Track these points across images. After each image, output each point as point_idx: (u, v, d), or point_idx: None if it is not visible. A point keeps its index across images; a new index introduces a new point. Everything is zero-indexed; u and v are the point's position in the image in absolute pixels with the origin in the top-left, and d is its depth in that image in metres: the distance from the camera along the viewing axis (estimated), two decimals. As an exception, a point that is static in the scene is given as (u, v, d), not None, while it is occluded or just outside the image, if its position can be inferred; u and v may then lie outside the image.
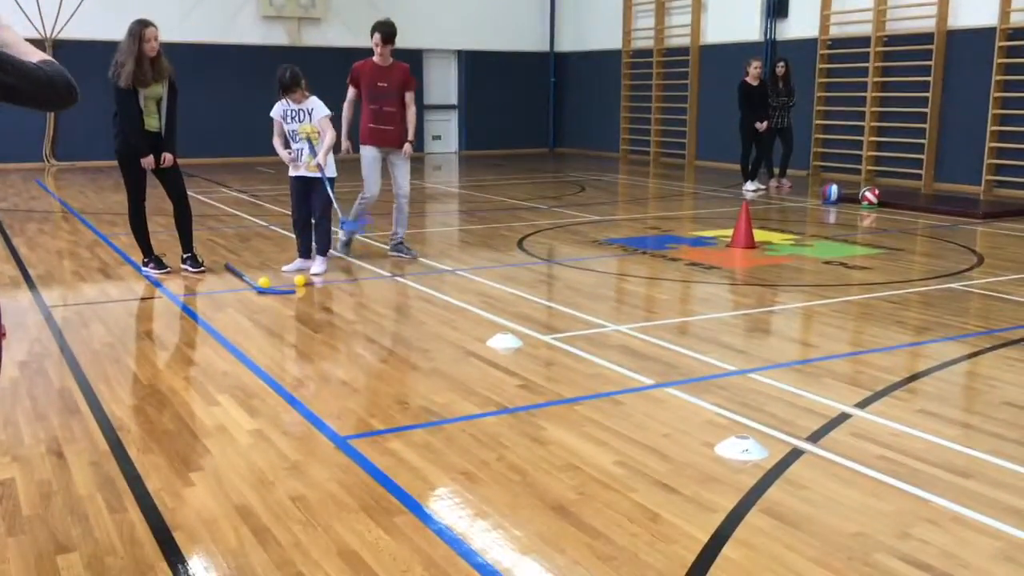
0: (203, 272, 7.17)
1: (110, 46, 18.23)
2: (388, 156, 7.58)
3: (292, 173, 7.13)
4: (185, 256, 7.22)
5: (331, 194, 7.05)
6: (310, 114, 6.98)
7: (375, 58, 7.45)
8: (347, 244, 7.90)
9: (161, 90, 6.89)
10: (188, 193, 7.26)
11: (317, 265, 7.12)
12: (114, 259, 7.76)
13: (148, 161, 6.80)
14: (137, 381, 4.56)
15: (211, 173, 15.40)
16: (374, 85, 7.41)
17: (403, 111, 7.48)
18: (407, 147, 7.54)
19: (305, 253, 7.24)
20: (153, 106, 6.86)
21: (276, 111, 7.08)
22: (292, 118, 7.00)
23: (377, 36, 7.39)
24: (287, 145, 7.07)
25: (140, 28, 6.72)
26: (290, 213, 7.50)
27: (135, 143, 6.76)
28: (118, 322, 5.71)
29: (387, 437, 3.83)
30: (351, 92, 7.59)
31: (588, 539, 2.96)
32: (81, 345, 5.18)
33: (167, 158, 6.89)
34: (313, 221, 7.17)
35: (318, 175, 7.02)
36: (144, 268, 7.13)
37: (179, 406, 4.20)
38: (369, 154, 7.53)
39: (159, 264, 7.13)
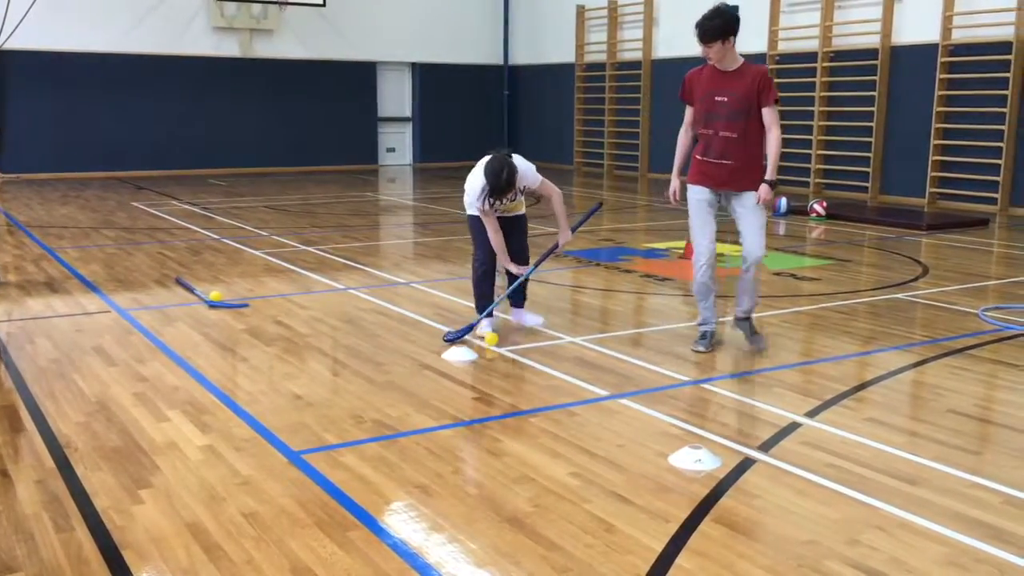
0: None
1: (56, 56, 17.76)
2: (731, 202, 5.28)
3: (476, 213, 5.49)
4: None
5: (537, 262, 5.73)
6: (521, 191, 5.47)
7: (712, 62, 5.30)
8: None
9: None
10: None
11: (532, 317, 5.81)
12: (61, 273, 7.61)
13: None
14: (84, 397, 4.48)
15: (161, 185, 15.19)
16: (709, 100, 5.19)
17: (752, 136, 5.13)
18: (762, 190, 5.10)
19: (484, 310, 5.66)
20: None
21: (482, 203, 5.34)
22: (502, 203, 5.40)
23: (696, 35, 5.20)
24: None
25: None
26: (475, 260, 5.65)
27: None
28: (65, 337, 5.60)
29: (341, 451, 3.80)
30: (687, 113, 5.39)
31: (543, 551, 2.97)
32: (26, 361, 5.08)
33: None
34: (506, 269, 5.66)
35: (520, 212, 5.66)
36: None
37: (128, 422, 4.13)
38: (696, 196, 5.28)
39: None
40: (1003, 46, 12.05)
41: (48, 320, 6.06)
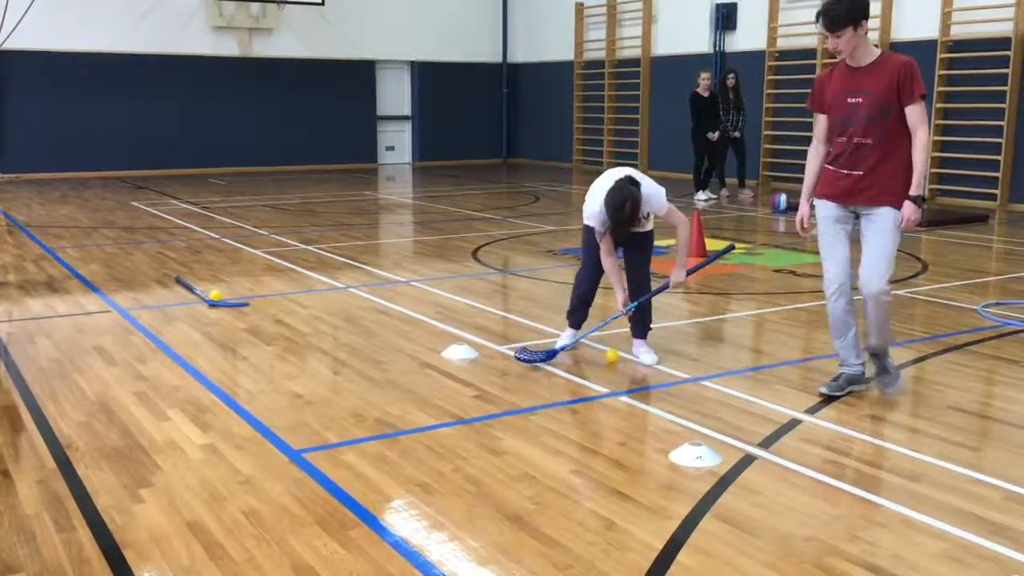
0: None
1: (56, 56, 17.74)
2: (861, 219, 4.42)
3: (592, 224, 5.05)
4: None
5: (653, 290, 5.17)
6: (646, 218, 4.98)
7: (843, 56, 4.33)
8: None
9: None
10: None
11: (647, 354, 5.11)
12: (61, 273, 7.61)
13: None
14: (85, 397, 4.48)
15: (161, 185, 15.18)
16: (842, 103, 4.33)
17: (893, 140, 4.25)
18: (907, 209, 4.24)
19: (579, 324, 5.34)
20: None
21: (603, 228, 4.94)
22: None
23: (821, 23, 4.27)
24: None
25: None
26: (578, 275, 5.34)
27: None
28: (65, 337, 5.60)
29: (342, 450, 3.81)
30: (816, 126, 4.55)
31: (545, 549, 2.97)
32: (27, 361, 5.08)
33: None
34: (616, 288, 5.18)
35: (647, 229, 5.11)
36: None
37: (128, 422, 4.13)
38: (822, 212, 4.49)
39: None
40: (1002, 42, 12.04)
41: (48, 320, 6.06)
